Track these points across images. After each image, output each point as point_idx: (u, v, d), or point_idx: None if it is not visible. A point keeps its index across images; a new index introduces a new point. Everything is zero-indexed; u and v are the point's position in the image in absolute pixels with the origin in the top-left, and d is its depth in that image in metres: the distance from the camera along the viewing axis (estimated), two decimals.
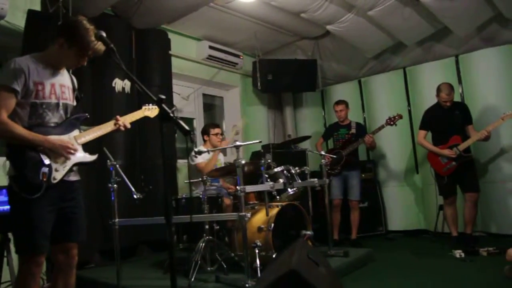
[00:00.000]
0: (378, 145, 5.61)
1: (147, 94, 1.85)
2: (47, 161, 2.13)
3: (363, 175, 5.39)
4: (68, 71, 2.45)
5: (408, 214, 5.73)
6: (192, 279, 3.14)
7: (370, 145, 4.99)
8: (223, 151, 5.67)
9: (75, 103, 2.44)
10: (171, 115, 1.74)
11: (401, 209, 5.75)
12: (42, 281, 3.44)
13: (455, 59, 5.42)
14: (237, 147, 3.19)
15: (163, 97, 1.75)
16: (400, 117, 4.92)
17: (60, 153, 2.19)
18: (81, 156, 2.32)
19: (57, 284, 2.32)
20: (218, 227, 3.73)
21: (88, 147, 2.40)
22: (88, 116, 2.45)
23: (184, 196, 3.94)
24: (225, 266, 3.40)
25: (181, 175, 5.33)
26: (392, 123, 4.90)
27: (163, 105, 1.74)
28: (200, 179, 3.77)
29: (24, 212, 2.10)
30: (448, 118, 4.47)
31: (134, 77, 2.02)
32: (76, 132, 2.33)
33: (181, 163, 5.43)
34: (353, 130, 5.18)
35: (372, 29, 5.39)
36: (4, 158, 2.17)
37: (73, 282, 2.36)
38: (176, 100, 5.37)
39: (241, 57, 6.37)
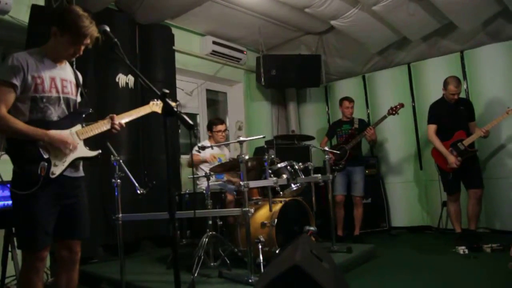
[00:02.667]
0: (381, 140, 5.60)
1: (151, 88, 1.84)
2: (46, 156, 2.11)
3: (366, 171, 5.37)
4: (72, 66, 2.42)
5: (412, 210, 5.71)
6: (195, 274, 3.15)
7: (371, 137, 4.95)
8: (228, 146, 5.67)
9: (79, 98, 2.41)
10: (175, 109, 1.72)
11: (405, 205, 5.74)
12: (46, 276, 3.45)
13: (460, 54, 5.38)
14: (241, 142, 3.18)
15: (167, 91, 1.73)
16: (402, 105, 4.90)
17: (59, 148, 2.16)
18: (81, 151, 2.28)
19: (60, 279, 2.33)
20: (221, 222, 3.73)
21: (92, 142, 2.37)
22: (92, 111, 2.41)
23: (187, 191, 3.95)
24: (228, 262, 3.40)
25: (184, 171, 5.33)
26: (394, 112, 4.87)
27: (167, 99, 1.73)
28: (204, 174, 3.78)
29: (24, 207, 2.08)
30: (453, 113, 4.44)
31: (138, 72, 2.00)
32: (78, 127, 2.30)
33: (185, 158, 5.43)
34: (356, 125, 5.17)
35: (377, 24, 5.35)
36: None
37: (76, 277, 2.36)
38: (180, 95, 5.36)
39: (245, 53, 6.36)
